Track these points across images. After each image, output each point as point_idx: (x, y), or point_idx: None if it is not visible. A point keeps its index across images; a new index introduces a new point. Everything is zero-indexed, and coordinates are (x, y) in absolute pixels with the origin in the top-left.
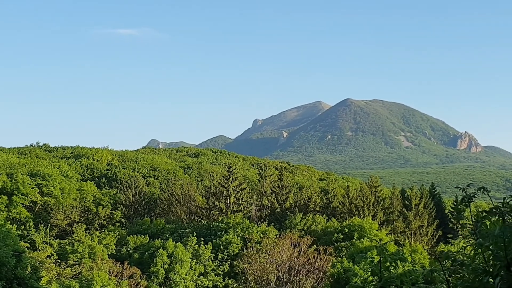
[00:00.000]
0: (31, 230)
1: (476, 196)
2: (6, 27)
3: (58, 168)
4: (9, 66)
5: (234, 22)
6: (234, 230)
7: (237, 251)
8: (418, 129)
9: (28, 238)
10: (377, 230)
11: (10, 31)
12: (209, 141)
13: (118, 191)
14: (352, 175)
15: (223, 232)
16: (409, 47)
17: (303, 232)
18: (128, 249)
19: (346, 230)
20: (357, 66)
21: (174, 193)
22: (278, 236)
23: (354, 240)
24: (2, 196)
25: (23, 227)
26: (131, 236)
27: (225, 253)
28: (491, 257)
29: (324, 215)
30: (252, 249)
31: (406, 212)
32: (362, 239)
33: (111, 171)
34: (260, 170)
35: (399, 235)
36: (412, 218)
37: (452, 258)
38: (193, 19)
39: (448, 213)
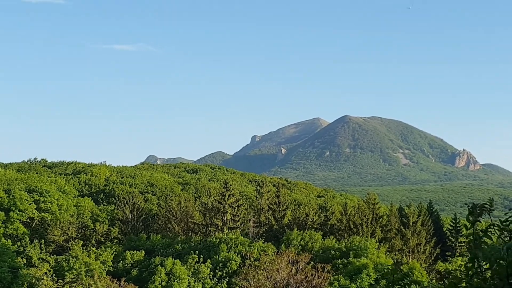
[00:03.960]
0: (27, 246)
1: (488, 210)
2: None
3: (55, 184)
4: (5, 80)
5: (231, 38)
6: (226, 244)
7: (235, 268)
8: (416, 147)
9: (24, 254)
10: (376, 249)
11: (4, 44)
12: (207, 157)
13: (116, 207)
14: (350, 192)
15: (217, 247)
16: (408, 63)
17: (300, 248)
18: (125, 265)
19: (345, 249)
20: (356, 83)
21: (171, 209)
22: (276, 253)
23: (351, 258)
24: (0, 212)
25: (19, 243)
26: (128, 252)
27: (224, 271)
28: (494, 276)
29: (322, 232)
30: (250, 266)
31: (404, 229)
32: (359, 258)
33: (109, 187)
34: (258, 187)
35: (396, 253)
36: (410, 235)
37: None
38: (190, 34)
39: (447, 231)
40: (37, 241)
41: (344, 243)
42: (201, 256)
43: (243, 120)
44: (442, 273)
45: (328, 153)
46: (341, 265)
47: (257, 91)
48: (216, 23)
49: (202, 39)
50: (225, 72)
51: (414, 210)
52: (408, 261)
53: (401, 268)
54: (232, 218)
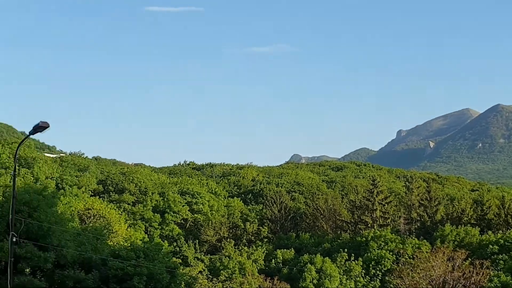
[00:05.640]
0: (182, 246)
1: None
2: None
3: (206, 186)
4: (158, 93)
5: (366, 34)
6: (376, 242)
7: (388, 266)
8: None
9: (180, 254)
10: None
11: (148, 52)
12: (352, 154)
13: (264, 206)
14: (507, 184)
15: (366, 245)
16: None
17: (455, 244)
18: (277, 263)
19: (502, 241)
20: (508, 70)
21: (319, 207)
22: (430, 250)
23: None
24: (156, 214)
25: (175, 243)
26: (278, 250)
27: (377, 268)
28: None
29: (479, 227)
30: (405, 264)
31: None
32: None
33: (257, 187)
34: (406, 182)
35: None
36: None
37: None
38: (325, 32)
39: None
40: (191, 241)
41: (499, 236)
42: (352, 254)
43: (387, 115)
44: None
45: (480, 144)
46: (501, 261)
47: (401, 84)
48: (353, 23)
49: (338, 36)
50: (368, 66)
51: None
52: None
53: None
54: (382, 215)
